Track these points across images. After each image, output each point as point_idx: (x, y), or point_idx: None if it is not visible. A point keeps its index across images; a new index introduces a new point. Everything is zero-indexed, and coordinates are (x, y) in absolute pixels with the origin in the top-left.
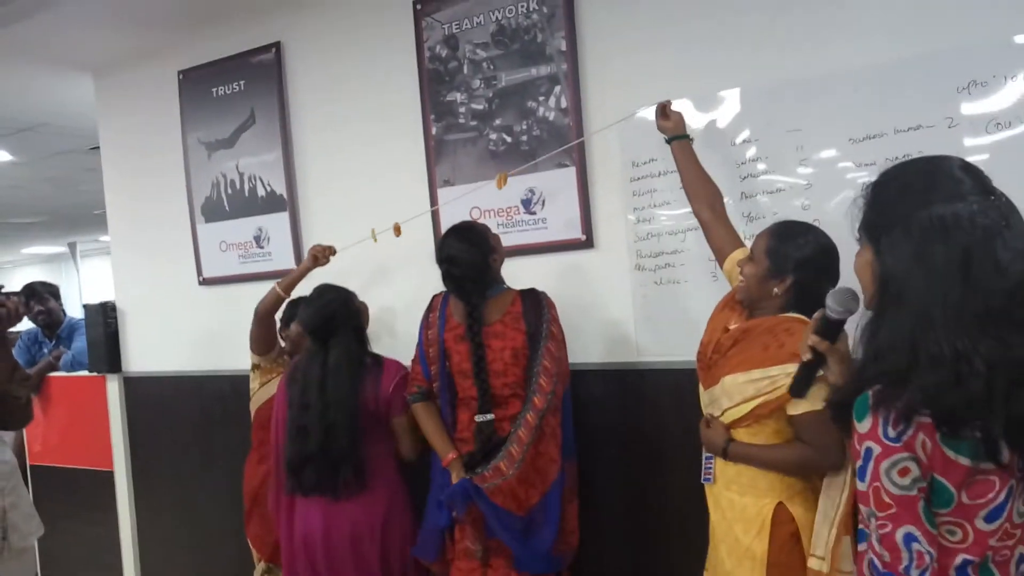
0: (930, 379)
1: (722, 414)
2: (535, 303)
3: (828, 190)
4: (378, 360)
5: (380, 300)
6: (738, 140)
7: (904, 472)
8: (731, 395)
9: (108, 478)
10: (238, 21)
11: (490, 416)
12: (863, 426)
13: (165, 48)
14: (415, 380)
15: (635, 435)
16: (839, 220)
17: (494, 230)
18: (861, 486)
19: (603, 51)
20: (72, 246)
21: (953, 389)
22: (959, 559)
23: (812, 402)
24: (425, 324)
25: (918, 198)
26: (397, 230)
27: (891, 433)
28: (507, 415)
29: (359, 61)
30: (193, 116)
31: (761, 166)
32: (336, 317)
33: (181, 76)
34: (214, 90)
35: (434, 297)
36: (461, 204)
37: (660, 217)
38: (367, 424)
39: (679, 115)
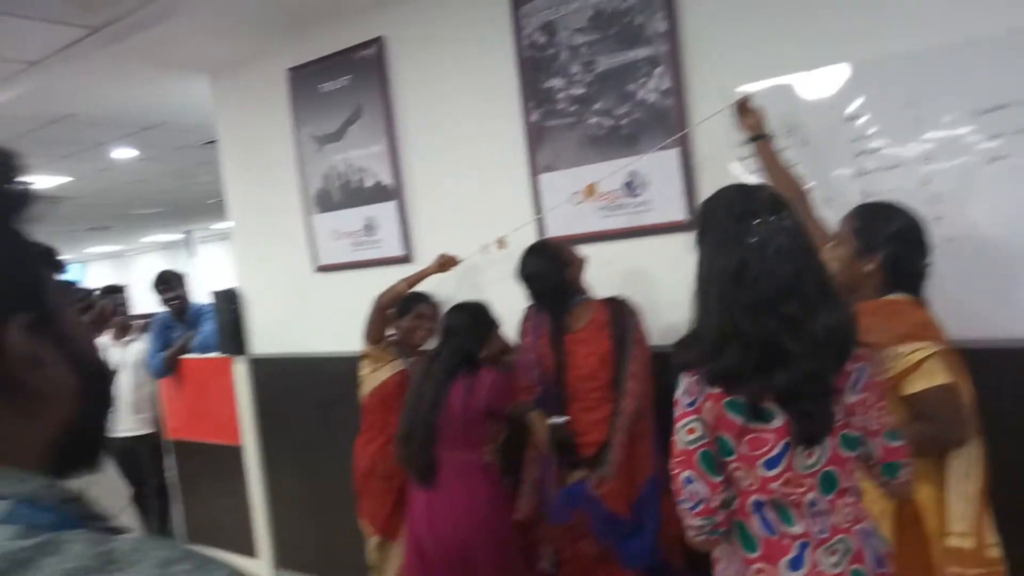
0: (703, 353)
1: None
2: (620, 311)
3: (950, 164)
4: (475, 370)
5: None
6: (851, 115)
7: (691, 431)
8: None
9: (238, 452)
10: (342, 18)
11: (563, 419)
12: (676, 393)
13: (275, 47)
14: (528, 388)
15: None
16: (963, 194)
17: (596, 215)
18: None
19: (705, 30)
20: (188, 234)
21: (715, 360)
22: (751, 499)
23: (930, 378)
24: (522, 333)
25: (723, 214)
26: (502, 244)
27: (687, 400)
28: (598, 418)
29: (458, 52)
30: (303, 111)
31: (877, 142)
32: (458, 328)
33: (291, 73)
34: (321, 86)
35: (528, 307)
36: (563, 189)
37: None
38: (452, 433)
39: (759, 112)
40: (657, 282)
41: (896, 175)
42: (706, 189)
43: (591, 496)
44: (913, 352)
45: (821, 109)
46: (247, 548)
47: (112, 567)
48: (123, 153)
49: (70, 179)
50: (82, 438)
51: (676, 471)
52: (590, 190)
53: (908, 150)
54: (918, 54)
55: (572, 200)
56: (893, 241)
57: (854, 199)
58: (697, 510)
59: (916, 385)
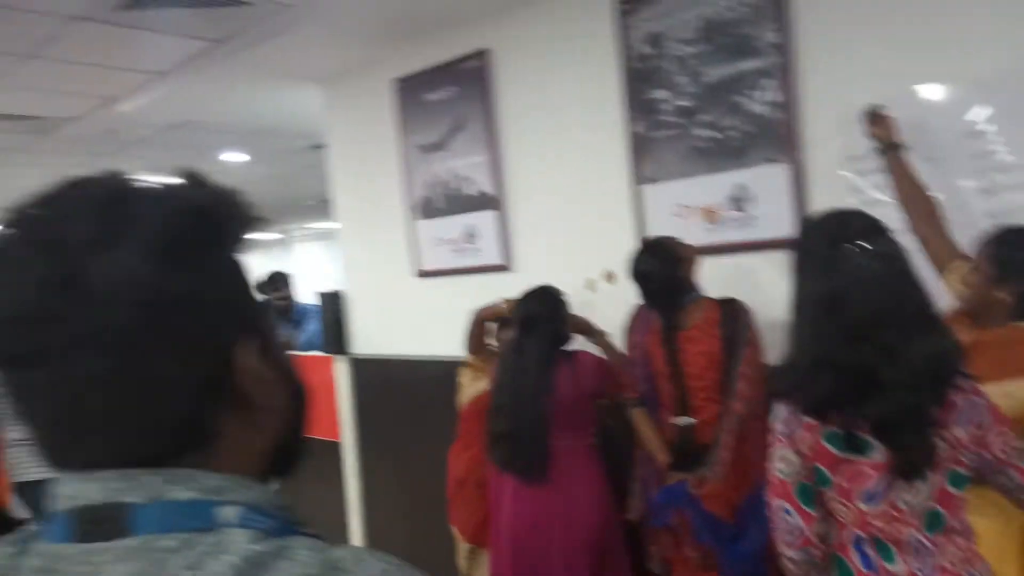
0: (797, 381)
1: None
2: (732, 311)
3: None
4: (574, 355)
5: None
6: (977, 130)
7: (787, 462)
8: None
9: (336, 448)
10: (448, 30)
11: (690, 420)
12: (772, 421)
13: (383, 58)
14: (632, 384)
15: None
16: None
17: (700, 228)
18: None
19: (818, 41)
20: (286, 233)
21: (807, 388)
22: (850, 534)
23: None
24: (628, 330)
25: (818, 241)
26: (611, 278)
27: (782, 429)
28: (703, 419)
29: (562, 63)
30: (409, 120)
31: (1006, 158)
32: (537, 316)
33: (398, 84)
34: (427, 96)
35: (637, 305)
36: (666, 201)
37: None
38: (561, 418)
39: (892, 121)
40: (761, 299)
41: None
42: (817, 205)
43: (691, 496)
44: None
45: (944, 123)
46: (339, 543)
47: (338, 575)
48: (233, 157)
49: (181, 181)
50: (286, 449)
51: (772, 501)
52: (610, 277)
53: None
54: None
55: (597, 279)
56: None
57: (978, 217)
58: (793, 542)
59: None
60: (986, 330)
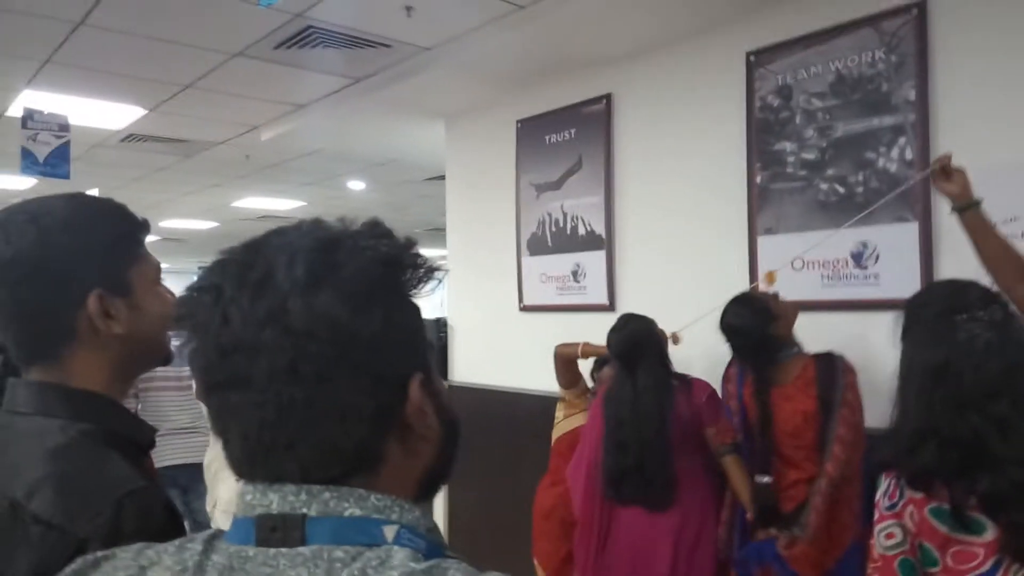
0: (899, 451)
1: None
2: (829, 368)
3: None
4: (685, 379)
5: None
6: None
7: (890, 536)
8: None
9: None
10: (572, 74)
11: (767, 479)
12: (876, 494)
13: (506, 99)
14: (729, 431)
15: None
16: None
17: (818, 282)
18: None
19: (958, 101)
20: None
21: (911, 459)
22: None
23: None
24: (725, 378)
25: (930, 310)
26: (771, 278)
27: (886, 503)
28: (801, 478)
29: (685, 111)
30: (527, 159)
31: None
32: (641, 342)
33: (519, 124)
34: (547, 137)
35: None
36: (783, 254)
37: None
38: (679, 440)
39: (964, 176)
40: (879, 360)
41: None
42: (945, 269)
43: (780, 556)
44: None
45: None
46: None
47: None
48: (354, 184)
49: (303, 203)
50: (435, 475)
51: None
52: (770, 277)
53: None
54: None
55: (757, 284)
56: None
57: None
58: None
59: None
60: None
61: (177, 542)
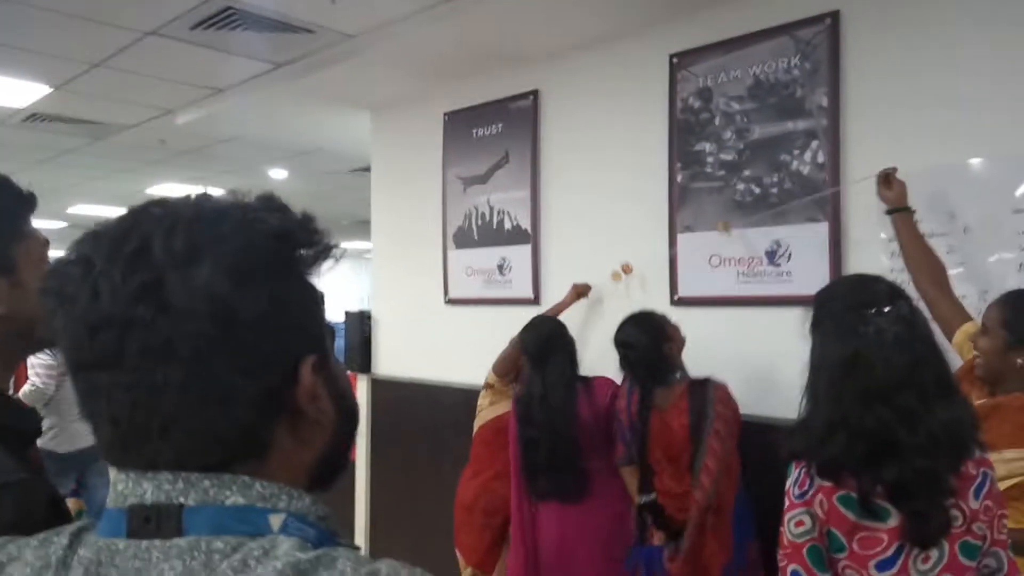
0: (809, 443)
1: None
2: (701, 397)
3: None
4: (587, 380)
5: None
6: (1020, 208)
7: (799, 524)
8: None
9: (350, 467)
10: (500, 69)
11: (648, 498)
12: (787, 483)
13: (433, 92)
14: (622, 443)
15: None
16: None
17: (734, 278)
18: None
19: (868, 108)
20: None
21: (821, 450)
22: None
23: None
24: (616, 395)
25: (839, 304)
26: (627, 269)
27: (796, 491)
28: (684, 491)
29: (610, 109)
30: (453, 153)
31: None
32: (553, 340)
33: (447, 117)
34: (474, 131)
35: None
36: (701, 251)
37: None
38: (587, 438)
39: (902, 185)
40: (789, 354)
41: None
42: (853, 267)
43: (664, 567)
44: None
45: (986, 198)
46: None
47: None
48: (277, 173)
49: (223, 192)
50: (329, 464)
51: (783, 564)
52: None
53: None
54: None
55: (707, 223)
56: None
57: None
58: None
59: None
60: (1006, 396)
61: (42, 535)
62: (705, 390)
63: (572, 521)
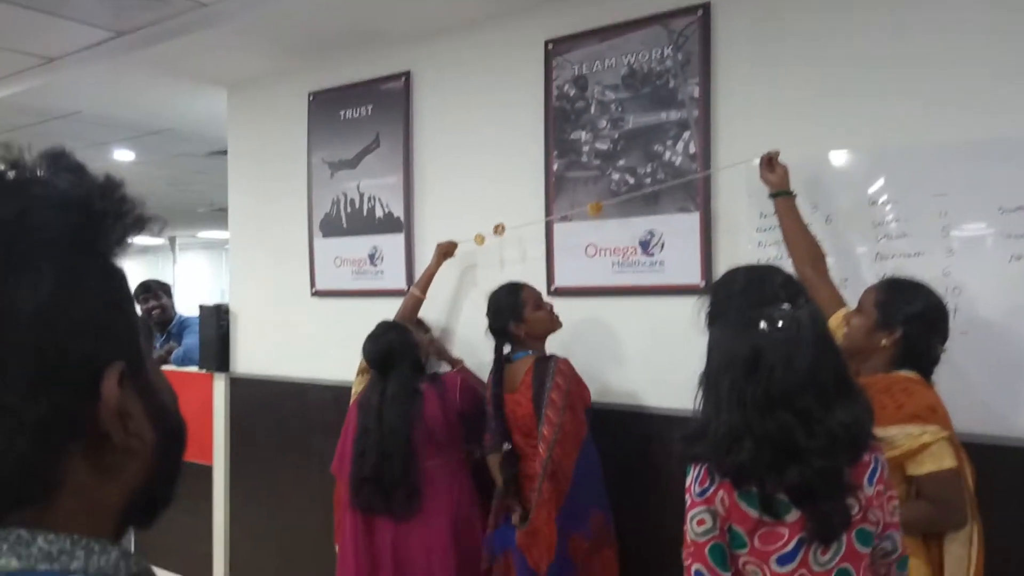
0: (714, 449)
1: None
2: (543, 371)
3: (973, 258)
4: (436, 377)
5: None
6: (876, 199)
7: (701, 523)
8: None
9: (208, 472)
10: (370, 48)
11: (508, 447)
12: (686, 481)
13: (297, 70)
14: (488, 432)
15: None
16: (983, 290)
17: (609, 268)
18: None
19: (737, 100)
20: (172, 240)
21: (726, 456)
22: None
23: (939, 461)
24: (487, 383)
25: (737, 299)
26: (499, 230)
27: (697, 489)
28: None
29: (485, 95)
30: (320, 136)
31: (899, 228)
32: (393, 352)
33: (312, 97)
34: (342, 112)
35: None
36: (577, 240)
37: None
38: (427, 442)
39: (784, 169)
40: (664, 342)
41: (917, 263)
42: (723, 257)
43: (517, 544)
44: (923, 434)
45: (846, 189)
46: (202, 573)
47: None
48: (122, 155)
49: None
50: (147, 500)
51: (687, 562)
52: (596, 208)
53: (930, 240)
54: (947, 147)
55: (581, 213)
56: (914, 320)
57: (869, 280)
58: None
59: (924, 467)
60: (868, 376)
61: None
62: (547, 365)
63: (407, 533)
